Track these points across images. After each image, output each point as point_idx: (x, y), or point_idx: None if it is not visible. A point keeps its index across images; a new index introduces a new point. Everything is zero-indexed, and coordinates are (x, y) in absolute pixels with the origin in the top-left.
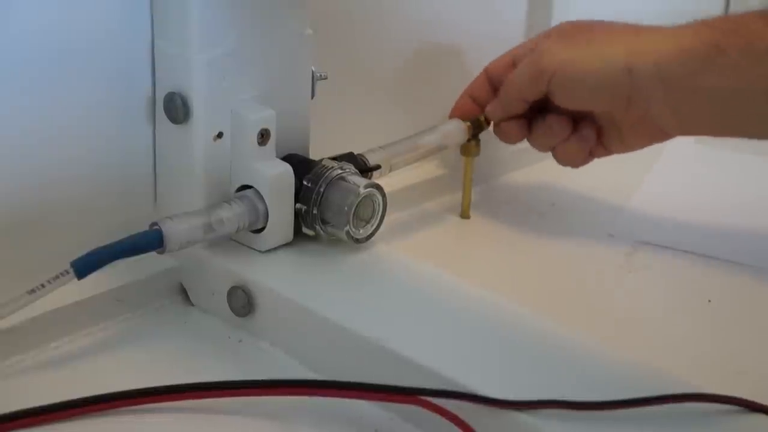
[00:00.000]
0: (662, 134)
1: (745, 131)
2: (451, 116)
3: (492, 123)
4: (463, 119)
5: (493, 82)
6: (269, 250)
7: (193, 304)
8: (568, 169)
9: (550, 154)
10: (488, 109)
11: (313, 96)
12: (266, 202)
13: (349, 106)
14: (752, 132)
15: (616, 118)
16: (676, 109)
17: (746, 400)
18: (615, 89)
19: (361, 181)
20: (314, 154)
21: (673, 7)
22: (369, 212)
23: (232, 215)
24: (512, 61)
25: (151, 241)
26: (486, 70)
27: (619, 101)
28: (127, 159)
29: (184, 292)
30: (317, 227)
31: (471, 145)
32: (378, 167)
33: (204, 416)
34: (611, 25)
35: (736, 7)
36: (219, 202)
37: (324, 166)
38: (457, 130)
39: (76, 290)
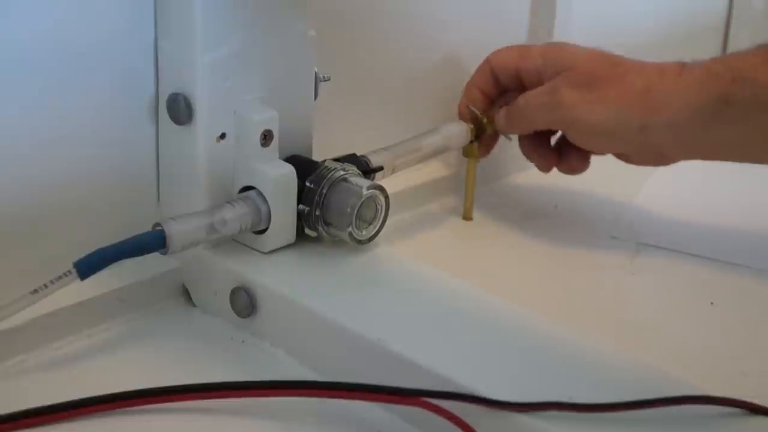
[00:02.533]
0: (670, 161)
1: (760, 161)
2: (461, 108)
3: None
4: (472, 115)
5: (497, 75)
6: (272, 251)
7: (195, 305)
8: None
9: None
10: (498, 121)
11: (316, 97)
12: (269, 203)
13: (351, 107)
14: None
15: (626, 153)
16: (688, 152)
17: (749, 403)
18: (629, 143)
19: (364, 183)
20: (317, 156)
21: (673, 7)
22: (371, 213)
23: (234, 216)
24: (518, 57)
25: (154, 241)
26: (489, 62)
27: (632, 149)
28: (130, 160)
29: (186, 293)
30: (320, 228)
31: (474, 146)
32: (381, 168)
33: (206, 417)
34: (624, 76)
35: (738, 7)
36: (222, 203)
37: (327, 167)
38: (460, 131)
39: (78, 291)
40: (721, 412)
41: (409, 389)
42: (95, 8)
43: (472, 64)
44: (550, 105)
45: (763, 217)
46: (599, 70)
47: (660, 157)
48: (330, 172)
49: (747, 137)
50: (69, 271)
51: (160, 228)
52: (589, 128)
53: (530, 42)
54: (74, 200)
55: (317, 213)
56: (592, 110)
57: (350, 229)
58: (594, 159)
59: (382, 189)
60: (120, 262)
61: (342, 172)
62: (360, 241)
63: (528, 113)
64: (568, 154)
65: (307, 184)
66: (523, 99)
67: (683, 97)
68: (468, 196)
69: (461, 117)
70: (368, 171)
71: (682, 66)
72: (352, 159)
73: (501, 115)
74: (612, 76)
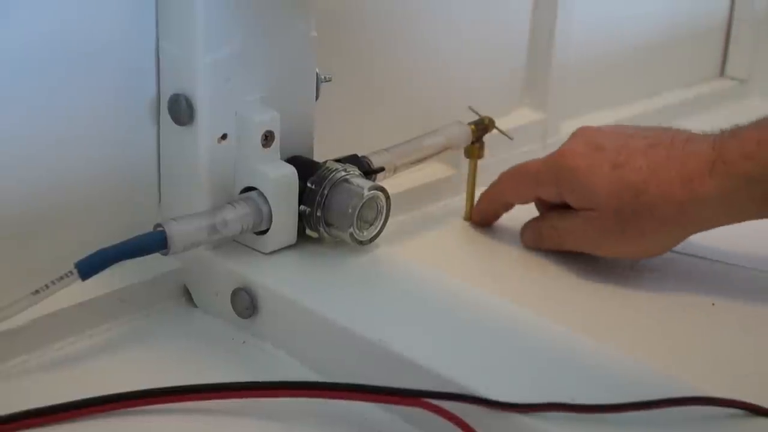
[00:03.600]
0: None
1: None
2: (477, 213)
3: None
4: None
5: (512, 204)
6: (273, 252)
7: (196, 306)
8: None
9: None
10: (523, 237)
11: (317, 98)
12: (270, 203)
13: (353, 108)
14: None
15: None
16: None
17: (750, 404)
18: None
19: (365, 183)
20: (318, 156)
21: (675, 8)
22: (373, 214)
23: (236, 217)
24: (532, 189)
25: (156, 242)
26: (507, 206)
27: None
28: (131, 160)
29: (187, 294)
30: (321, 229)
31: (475, 147)
32: (382, 169)
33: (207, 417)
34: (652, 207)
35: (740, 8)
36: (223, 204)
37: (328, 168)
38: (462, 132)
39: (80, 291)
40: (722, 413)
41: (410, 390)
42: (96, 9)
43: (473, 65)
44: (589, 243)
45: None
46: (625, 208)
47: None
48: (331, 173)
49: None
50: (70, 272)
51: (161, 228)
52: (634, 256)
53: (531, 44)
54: (75, 201)
55: (318, 214)
56: (634, 248)
57: (351, 229)
58: None
59: (383, 190)
60: (121, 262)
61: (343, 173)
62: (361, 242)
63: (563, 241)
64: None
65: (309, 184)
66: (560, 226)
67: (721, 206)
68: (469, 197)
69: (482, 220)
70: (369, 172)
71: (709, 165)
72: (353, 160)
73: (528, 235)
74: (640, 210)
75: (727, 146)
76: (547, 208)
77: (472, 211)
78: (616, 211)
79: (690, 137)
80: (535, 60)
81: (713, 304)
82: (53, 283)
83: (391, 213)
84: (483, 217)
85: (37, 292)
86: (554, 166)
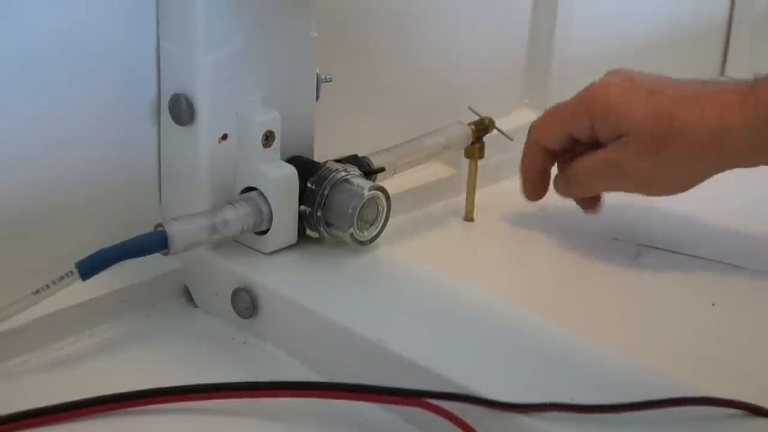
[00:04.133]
0: None
1: None
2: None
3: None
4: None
5: (548, 149)
6: (273, 252)
7: (197, 306)
8: None
9: None
10: (557, 187)
11: (317, 98)
12: (270, 204)
13: (353, 108)
14: None
15: None
16: None
17: (751, 404)
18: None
19: (366, 184)
20: (318, 157)
21: (675, 7)
22: (373, 214)
23: (236, 217)
24: (562, 124)
25: (156, 242)
26: (536, 141)
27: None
28: (131, 160)
29: (188, 294)
30: (321, 229)
31: (475, 147)
32: (382, 170)
33: (207, 417)
34: (686, 130)
35: (740, 8)
36: (223, 204)
37: (328, 168)
38: (462, 132)
39: (80, 291)
40: (723, 413)
41: (410, 390)
42: (97, 10)
43: (474, 65)
44: (616, 176)
45: (764, 218)
46: (658, 130)
47: None
48: (331, 173)
49: None
50: (71, 272)
51: (161, 228)
52: (664, 189)
53: (531, 43)
54: (76, 201)
55: (319, 214)
56: (665, 174)
57: (352, 230)
58: None
59: (383, 190)
60: (121, 262)
61: (343, 173)
62: (361, 242)
63: (590, 182)
64: None
65: (309, 185)
66: (584, 168)
67: (752, 135)
68: (469, 197)
69: (532, 181)
70: (370, 172)
71: (740, 98)
72: (353, 160)
73: (560, 183)
74: (674, 134)
75: (759, 84)
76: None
77: (521, 188)
78: (652, 134)
79: (721, 82)
80: (535, 60)
81: (713, 305)
82: (54, 283)
83: (391, 213)
84: (532, 183)
85: (37, 292)
86: (586, 97)
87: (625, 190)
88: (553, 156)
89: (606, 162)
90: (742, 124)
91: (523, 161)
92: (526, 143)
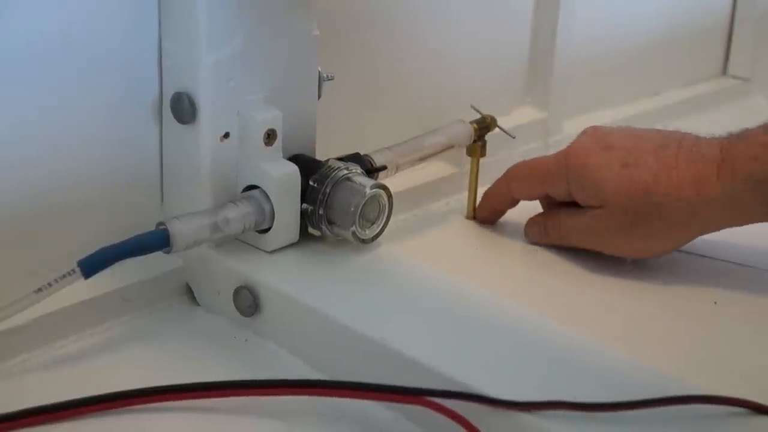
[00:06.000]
0: None
1: None
2: (482, 212)
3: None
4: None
5: (518, 200)
6: (275, 250)
7: (199, 304)
8: None
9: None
10: (528, 232)
11: (319, 97)
12: (272, 202)
13: (355, 106)
14: None
15: None
16: None
17: (752, 402)
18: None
19: (368, 182)
20: (320, 155)
21: (677, 7)
22: (375, 213)
23: (238, 215)
24: (541, 184)
25: (158, 240)
26: (511, 191)
27: None
28: (133, 159)
29: (190, 292)
30: (323, 227)
31: (477, 146)
32: (384, 168)
33: (209, 416)
34: (661, 206)
35: (742, 7)
36: (225, 202)
37: (330, 166)
38: (464, 131)
39: (82, 290)
40: (724, 411)
41: (412, 388)
42: (99, 9)
43: (475, 64)
44: (594, 241)
45: None
46: (632, 205)
47: None
48: (333, 172)
49: None
50: (72, 270)
51: (163, 227)
52: (641, 254)
53: (533, 44)
54: (77, 200)
55: (321, 212)
56: (641, 247)
57: (353, 228)
58: None
59: (385, 188)
60: (123, 261)
61: (345, 172)
62: (363, 241)
63: (569, 238)
64: None
65: (311, 183)
66: (567, 223)
67: (728, 207)
68: (471, 196)
69: (487, 218)
70: (372, 170)
71: (716, 168)
72: (355, 158)
73: (533, 231)
74: (649, 209)
75: (734, 148)
76: (552, 205)
77: (477, 209)
78: (625, 209)
79: (699, 140)
80: (537, 59)
81: (715, 303)
82: (55, 281)
83: (393, 211)
84: (488, 215)
85: (39, 290)
86: (564, 163)
87: (603, 251)
88: (517, 203)
89: (586, 227)
90: (719, 194)
91: (488, 197)
92: (499, 184)
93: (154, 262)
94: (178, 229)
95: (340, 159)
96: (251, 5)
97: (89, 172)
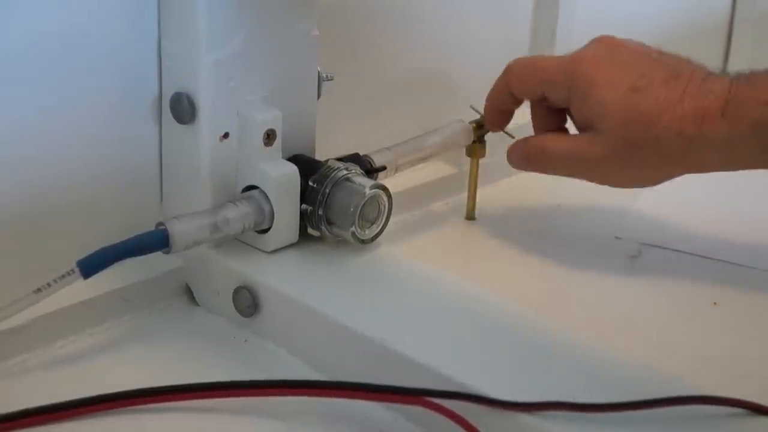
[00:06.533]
0: None
1: None
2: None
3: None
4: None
5: (516, 96)
6: (275, 251)
7: (198, 304)
8: None
9: None
10: (511, 157)
11: (319, 97)
12: (272, 202)
13: (354, 107)
14: None
15: None
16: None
17: (751, 403)
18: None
19: (367, 182)
20: (320, 155)
21: (677, 7)
22: (374, 213)
23: (237, 216)
24: (540, 83)
25: (157, 240)
26: (509, 84)
27: None
28: (133, 159)
29: (189, 292)
30: (323, 228)
31: (477, 146)
32: (383, 168)
33: (208, 416)
34: (660, 138)
35: (741, 7)
36: (225, 203)
37: (330, 167)
38: (463, 131)
39: (81, 290)
40: (724, 412)
41: (412, 389)
42: (99, 9)
43: (475, 64)
44: (579, 167)
45: (766, 217)
46: (631, 134)
47: None
48: (333, 172)
49: None
50: (72, 270)
51: (163, 227)
52: (626, 185)
53: (533, 43)
54: (77, 200)
55: (320, 212)
56: (630, 175)
57: (353, 228)
58: None
59: (385, 188)
60: (123, 261)
61: (345, 172)
62: (363, 241)
63: (552, 166)
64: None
65: (310, 183)
66: (549, 151)
67: (729, 148)
68: (471, 196)
69: (493, 118)
70: (371, 170)
71: (723, 104)
72: (355, 158)
73: (516, 153)
74: (648, 141)
75: (742, 89)
76: (541, 117)
77: (484, 114)
78: (622, 137)
79: (709, 75)
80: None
81: (714, 304)
82: (55, 281)
83: (392, 211)
84: (494, 117)
85: (38, 290)
86: (571, 68)
87: (586, 180)
88: (520, 102)
89: (572, 152)
90: (721, 134)
91: (490, 98)
92: (499, 81)
93: (154, 262)
94: (178, 230)
95: (340, 159)
96: (251, 5)
97: (89, 172)
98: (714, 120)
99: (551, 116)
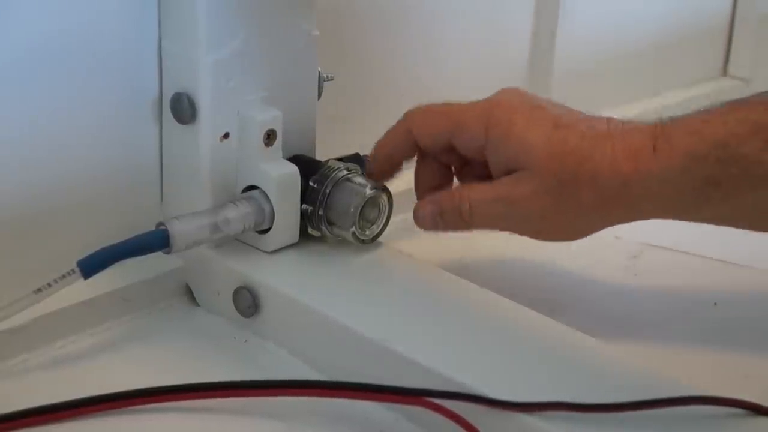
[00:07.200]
0: None
1: (756, 230)
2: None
3: None
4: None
5: (418, 143)
6: (275, 251)
7: (198, 305)
8: None
9: None
10: (420, 218)
11: (319, 97)
12: (272, 202)
13: (355, 107)
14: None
15: None
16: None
17: (752, 403)
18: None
19: (367, 183)
20: (320, 155)
21: (677, 8)
22: (375, 213)
23: (238, 216)
24: (452, 128)
25: (158, 240)
26: (410, 131)
27: None
28: (133, 159)
29: (189, 292)
30: (323, 228)
31: None
32: None
33: (208, 416)
34: (595, 175)
35: (742, 9)
36: (225, 203)
37: (330, 167)
38: None
39: (82, 290)
40: (724, 412)
41: (412, 389)
42: (99, 9)
43: (475, 65)
44: (511, 214)
45: None
46: (564, 171)
47: None
48: (333, 172)
49: (739, 212)
50: (72, 270)
51: (163, 227)
52: (557, 235)
53: (533, 43)
54: (77, 200)
55: (320, 213)
56: (563, 220)
57: (353, 228)
58: None
59: (385, 189)
60: (123, 261)
61: (345, 172)
62: (363, 241)
63: (477, 216)
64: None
65: (311, 183)
66: (472, 197)
67: (665, 186)
68: None
69: (381, 165)
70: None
71: (653, 141)
72: (355, 159)
73: (426, 211)
74: (581, 178)
75: (668, 126)
76: (431, 175)
77: (373, 161)
78: (556, 175)
79: (628, 121)
80: (537, 61)
81: (715, 304)
82: (55, 281)
83: (393, 211)
84: (383, 166)
85: (38, 290)
86: (487, 113)
87: (517, 231)
88: (414, 152)
89: (498, 196)
90: (655, 170)
91: (384, 144)
92: (398, 126)
93: (154, 262)
94: (178, 230)
95: (340, 159)
96: (251, 5)
97: (89, 172)
98: (647, 156)
99: (441, 173)
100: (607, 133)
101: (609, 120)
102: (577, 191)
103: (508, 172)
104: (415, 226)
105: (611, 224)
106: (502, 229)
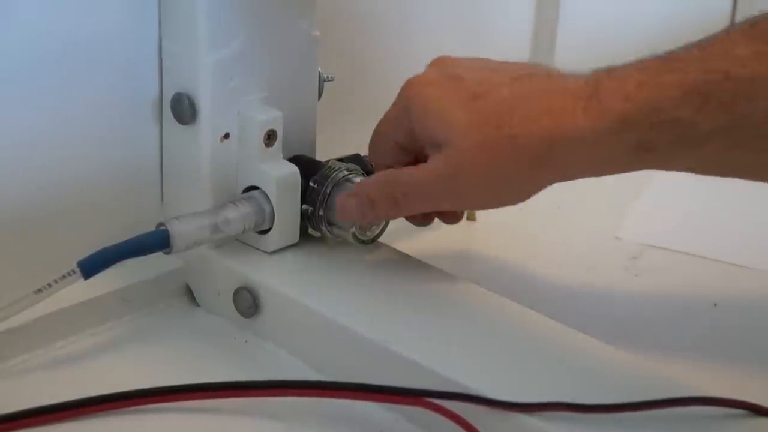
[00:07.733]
0: None
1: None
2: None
3: None
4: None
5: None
6: (275, 251)
7: (198, 305)
8: None
9: None
10: (346, 211)
11: (320, 97)
12: (273, 203)
13: (355, 107)
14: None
15: None
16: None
17: (752, 404)
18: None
19: None
20: (320, 156)
21: (677, 7)
22: None
23: (238, 216)
24: (393, 130)
25: (158, 241)
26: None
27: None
28: (133, 159)
29: (190, 293)
30: (323, 228)
31: None
32: None
33: (208, 417)
34: (517, 138)
35: (742, 8)
36: (225, 203)
37: (330, 167)
38: None
39: (82, 290)
40: (724, 413)
41: (412, 389)
42: (99, 9)
43: None
44: (440, 194)
45: (766, 217)
46: (486, 141)
47: None
48: (333, 172)
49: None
50: (72, 271)
51: (163, 227)
52: (500, 201)
53: (532, 42)
54: (78, 200)
55: (321, 213)
56: (501, 187)
57: (353, 229)
58: None
59: None
60: (123, 261)
61: (345, 172)
62: (363, 242)
63: (410, 197)
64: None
65: (311, 184)
66: (402, 178)
67: (595, 147)
68: None
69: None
70: (372, 171)
71: (583, 101)
72: (355, 159)
73: (352, 202)
74: (501, 143)
75: (603, 85)
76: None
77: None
78: (478, 145)
79: (560, 74)
80: (537, 59)
81: (715, 305)
82: (55, 282)
83: None
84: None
85: (39, 290)
86: (404, 94)
87: (451, 207)
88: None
89: (428, 175)
90: (583, 131)
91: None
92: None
93: (154, 262)
94: (178, 230)
95: (340, 160)
96: (251, 5)
97: (89, 173)
98: (574, 117)
99: None
100: (530, 93)
101: (538, 75)
102: (501, 157)
103: (435, 149)
104: (414, 226)
105: (545, 184)
106: (439, 208)
